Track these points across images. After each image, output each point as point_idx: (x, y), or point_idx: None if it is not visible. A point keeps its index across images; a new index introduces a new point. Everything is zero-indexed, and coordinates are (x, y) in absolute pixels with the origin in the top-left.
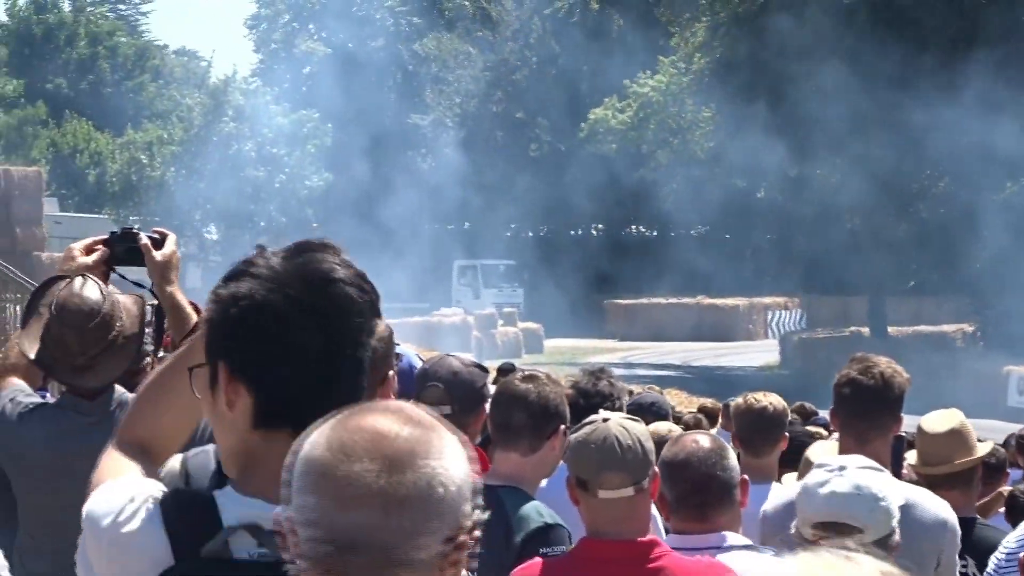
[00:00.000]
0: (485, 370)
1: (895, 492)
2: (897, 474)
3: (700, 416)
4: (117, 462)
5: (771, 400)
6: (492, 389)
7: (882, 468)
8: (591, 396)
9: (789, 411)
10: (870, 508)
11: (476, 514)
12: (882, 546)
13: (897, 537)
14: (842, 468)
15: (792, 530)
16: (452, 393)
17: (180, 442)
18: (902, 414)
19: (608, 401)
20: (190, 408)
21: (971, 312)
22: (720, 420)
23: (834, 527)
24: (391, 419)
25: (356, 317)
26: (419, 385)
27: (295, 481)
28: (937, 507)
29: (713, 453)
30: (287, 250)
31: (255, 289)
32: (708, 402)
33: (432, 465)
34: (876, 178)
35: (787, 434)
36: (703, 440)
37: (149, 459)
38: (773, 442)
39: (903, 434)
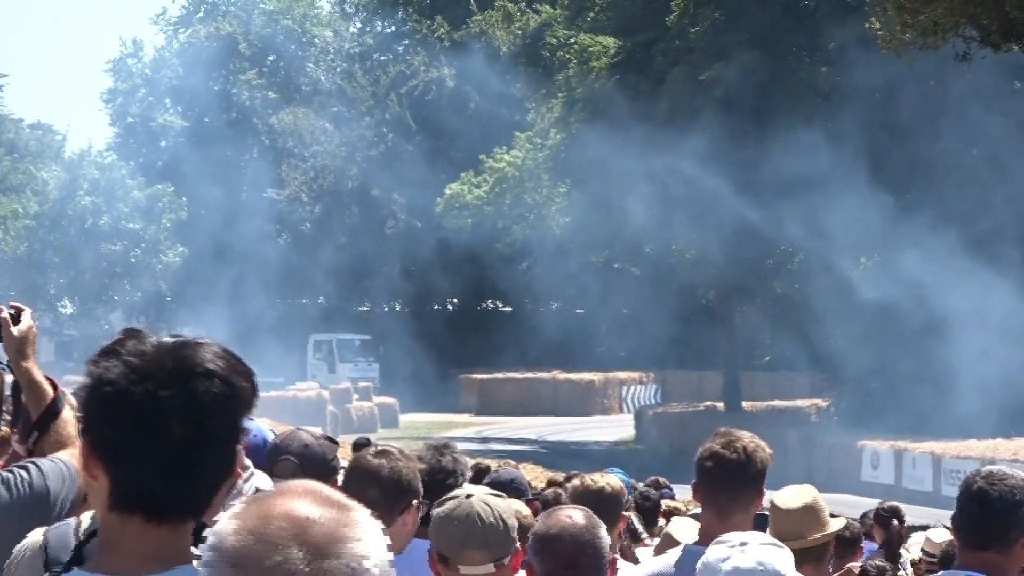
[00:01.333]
0: (335, 442)
1: (794, 569)
2: None
3: (559, 491)
4: None
5: (608, 481)
6: (343, 461)
7: (782, 545)
8: (436, 472)
9: (625, 492)
10: None
11: None
12: None
13: None
14: (744, 544)
15: None
16: (304, 466)
17: None
18: (764, 489)
19: (452, 476)
20: None
21: (825, 387)
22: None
23: None
24: (306, 502)
25: (220, 413)
26: (271, 459)
27: (204, 574)
28: None
29: (586, 530)
30: (165, 338)
31: (119, 377)
32: (559, 476)
33: (356, 547)
34: (731, 253)
35: (624, 514)
36: (577, 516)
37: None
38: (611, 523)
39: (764, 512)
